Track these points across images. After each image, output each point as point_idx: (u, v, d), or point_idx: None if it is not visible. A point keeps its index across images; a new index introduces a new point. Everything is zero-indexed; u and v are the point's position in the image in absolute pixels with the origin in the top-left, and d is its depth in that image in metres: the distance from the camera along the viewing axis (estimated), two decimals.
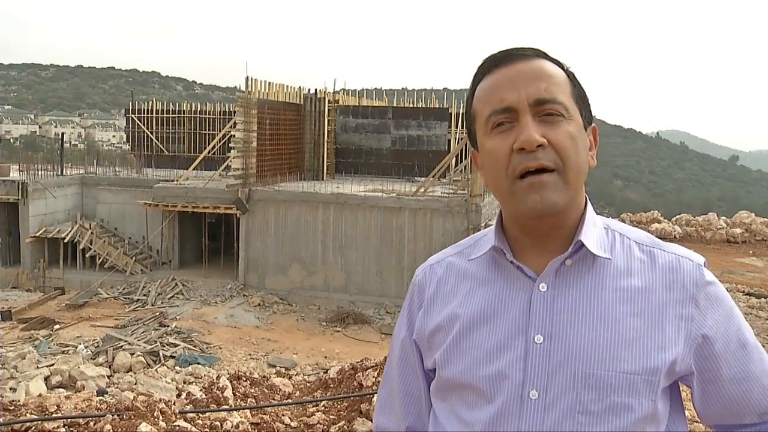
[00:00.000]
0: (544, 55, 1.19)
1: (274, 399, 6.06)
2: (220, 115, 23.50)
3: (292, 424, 4.89)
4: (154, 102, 24.75)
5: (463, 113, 17.73)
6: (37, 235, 18.08)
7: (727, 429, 1.24)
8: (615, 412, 1.11)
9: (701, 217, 22.09)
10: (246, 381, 6.44)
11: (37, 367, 10.83)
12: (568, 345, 1.13)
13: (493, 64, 1.20)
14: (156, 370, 11.48)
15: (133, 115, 24.10)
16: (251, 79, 17.36)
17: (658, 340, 1.13)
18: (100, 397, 6.62)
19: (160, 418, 4.41)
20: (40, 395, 6.17)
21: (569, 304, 1.15)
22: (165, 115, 23.87)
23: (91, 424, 4.32)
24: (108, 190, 19.69)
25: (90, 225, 18.53)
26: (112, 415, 4.34)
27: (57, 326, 14.05)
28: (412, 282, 1.37)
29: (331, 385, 6.07)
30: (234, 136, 17.39)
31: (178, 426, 4.35)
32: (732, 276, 16.18)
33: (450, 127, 21.06)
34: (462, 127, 20.09)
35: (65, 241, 17.90)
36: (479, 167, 1.25)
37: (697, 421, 3.75)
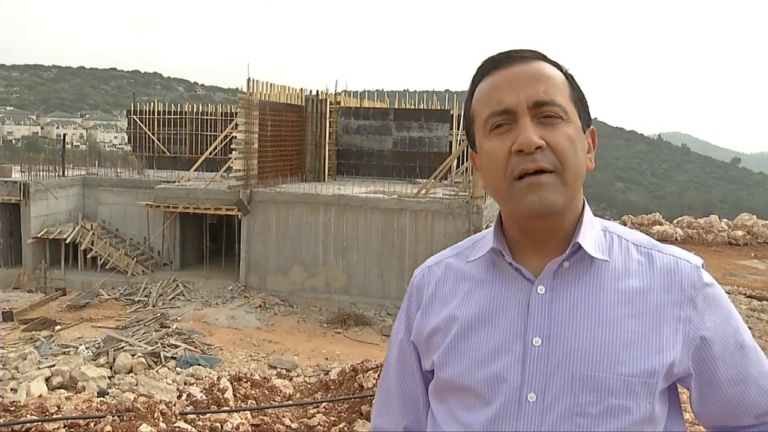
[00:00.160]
0: (543, 57, 1.20)
1: (274, 400, 6.06)
2: (221, 116, 23.54)
3: (293, 426, 4.88)
4: (156, 103, 24.78)
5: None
6: (39, 236, 18.10)
7: (725, 430, 1.24)
8: (613, 414, 1.11)
9: (703, 219, 22.08)
10: (246, 382, 6.43)
11: (38, 368, 10.84)
12: (566, 347, 1.13)
13: (491, 66, 1.20)
14: (157, 371, 11.49)
15: (134, 116, 24.14)
16: (253, 80, 17.38)
17: (656, 342, 1.13)
18: (101, 398, 6.63)
19: (161, 419, 4.41)
20: (40, 396, 6.18)
21: (567, 307, 1.15)
22: (167, 116, 23.91)
23: (92, 425, 4.32)
24: (109, 191, 19.72)
25: (91, 226, 18.54)
26: (113, 416, 4.34)
27: (58, 327, 14.06)
28: (410, 283, 1.37)
29: (332, 387, 6.07)
30: (235, 137, 17.41)
31: (179, 427, 4.35)
32: (733, 278, 16.16)
33: (451, 128, 21.08)
34: (463, 129, 20.11)
35: (66, 242, 17.92)
36: (478, 169, 1.25)
37: (697, 424, 3.75)
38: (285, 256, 16.79)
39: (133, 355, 12.02)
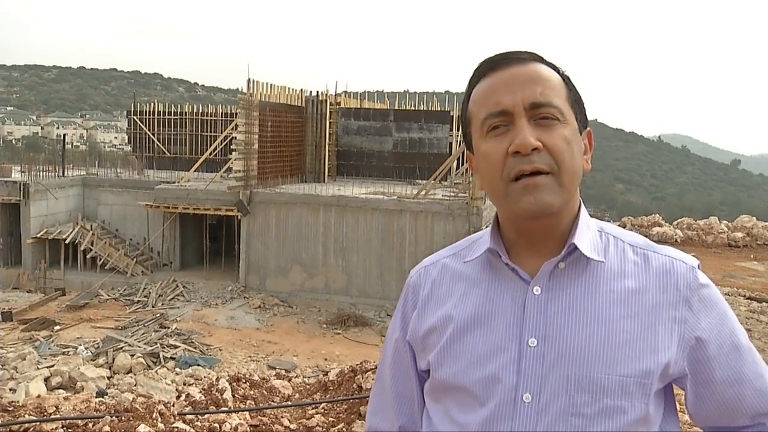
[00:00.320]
0: (540, 59, 1.20)
1: (273, 401, 6.06)
2: (221, 116, 23.54)
3: (291, 427, 4.88)
4: (156, 103, 24.79)
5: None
6: (38, 236, 18.10)
7: (720, 431, 1.24)
8: (608, 415, 1.11)
9: (702, 221, 22.09)
10: (245, 383, 6.43)
11: (37, 368, 10.84)
12: (562, 348, 1.13)
13: (489, 67, 1.20)
14: (156, 371, 11.48)
15: (134, 117, 24.14)
16: (253, 81, 17.39)
17: (651, 342, 1.13)
18: (99, 399, 6.62)
19: (159, 419, 4.41)
20: (39, 396, 6.17)
21: (563, 307, 1.16)
22: (167, 116, 23.91)
23: (90, 425, 4.32)
24: (109, 192, 19.71)
25: (91, 226, 18.54)
26: (111, 417, 4.34)
27: (57, 327, 14.06)
28: (406, 283, 1.37)
29: (331, 388, 6.06)
30: (235, 137, 17.41)
31: (177, 428, 4.35)
32: (733, 280, 16.16)
33: (451, 129, 21.07)
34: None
35: (66, 242, 17.92)
36: (475, 170, 1.26)
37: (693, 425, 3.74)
38: (285, 257, 16.79)
39: (132, 356, 12.02)
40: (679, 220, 22.78)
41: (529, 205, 1.12)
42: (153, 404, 4.84)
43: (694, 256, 1.23)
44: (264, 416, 5.08)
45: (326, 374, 7.52)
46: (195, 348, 12.99)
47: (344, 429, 4.73)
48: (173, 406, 5.03)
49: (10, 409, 4.71)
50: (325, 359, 12.88)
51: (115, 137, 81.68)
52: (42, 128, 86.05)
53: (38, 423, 4.22)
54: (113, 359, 11.91)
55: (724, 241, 20.67)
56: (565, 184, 1.14)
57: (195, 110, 24.26)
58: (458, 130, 20.64)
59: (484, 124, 1.17)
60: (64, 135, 25.50)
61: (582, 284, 1.17)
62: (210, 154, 20.46)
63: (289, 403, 5.86)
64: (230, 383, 6.22)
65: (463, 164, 18.75)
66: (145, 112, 24.16)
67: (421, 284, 1.32)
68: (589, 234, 1.20)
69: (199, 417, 4.76)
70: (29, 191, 17.95)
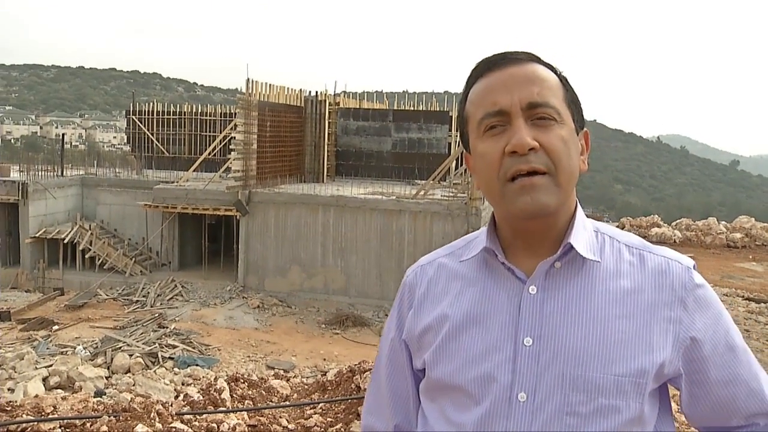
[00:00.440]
0: (537, 59, 1.20)
1: (271, 401, 6.05)
2: (220, 116, 23.54)
3: (290, 427, 4.88)
4: (155, 103, 24.78)
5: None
6: (37, 235, 18.09)
7: (714, 431, 1.24)
8: (603, 414, 1.11)
9: (701, 221, 22.11)
10: (244, 383, 6.42)
11: (36, 368, 10.82)
12: (557, 347, 1.14)
13: (486, 67, 1.20)
14: (155, 371, 11.47)
15: (134, 117, 24.13)
16: (252, 81, 17.38)
17: (646, 342, 1.13)
18: (98, 398, 6.62)
19: (157, 419, 4.41)
20: (36, 396, 6.16)
21: (558, 307, 1.16)
22: (166, 116, 23.90)
23: (88, 425, 4.31)
24: (108, 191, 19.70)
25: (90, 226, 18.53)
26: (108, 417, 4.34)
27: (56, 327, 14.05)
28: (402, 282, 1.37)
29: (329, 388, 6.06)
30: (234, 137, 17.40)
31: (175, 428, 4.34)
32: (732, 281, 16.16)
33: (451, 130, 21.08)
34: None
35: (65, 241, 17.91)
36: (471, 170, 1.26)
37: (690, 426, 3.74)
38: (283, 257, 16.78)
39: (130, 356, 12.01)
40: (677, 220, 22.80)
41: (525, 205, 1.12)
42: (151, 404, 4.84)
43: (691, 256, 1.23)
44: (262, 416, 5.08)
45: (325, 374, 7.51)
46: (193, 348, 12.97)
47: (342, 429, 4.73)
48: (171, 406, 5.03)
49: (8, 409, 4.70)
50: (324, 359, 12.88)
51: (114, 137, 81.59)
52: (41, 128, 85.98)
53: (36, 423, 4.21)
54: (112, 359, 11.90)
55: (723, 242, 20.69)
56: (561, 184, 1.14)
57: (194, 110, 24.26)
58: (457, 131, 20.67)
59: (481, 123, 1.17)
60: (63, 135, 25.44)
61: (578, 284, 1.17)
62: (209, 154, 20.45)
63: (287, 403, 5.86)
64: (228, 383, 6.21)
65: (462, 164, 18.74)
66: (144, 111, 24.15)
67: (417, 283, 1.32)
68: (585, 234, 1.20)
69: (197, 417, 4.75)
70: (28, 191, 17.93)
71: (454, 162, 18.60)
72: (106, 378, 10.85)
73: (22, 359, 11.22)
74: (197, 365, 11.81)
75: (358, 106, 23.57)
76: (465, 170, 17.84)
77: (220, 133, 21.47)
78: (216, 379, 6.96)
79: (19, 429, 4.19)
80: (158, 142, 23.80)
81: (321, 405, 5.43)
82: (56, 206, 18.89)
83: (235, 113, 18.78)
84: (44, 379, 10.20)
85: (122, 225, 19.31)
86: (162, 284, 16.98)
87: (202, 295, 16.50)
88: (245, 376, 6.88)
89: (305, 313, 15.95)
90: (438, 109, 22.88)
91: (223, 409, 5.30)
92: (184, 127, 23.73)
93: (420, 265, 1.35)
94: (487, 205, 16.01)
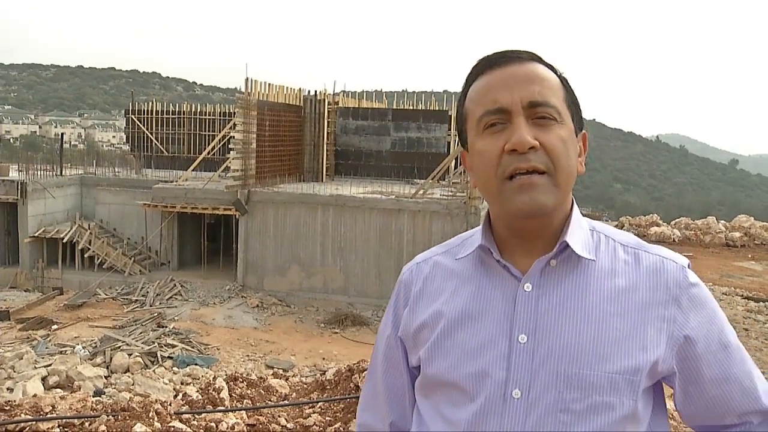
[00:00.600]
0: (538, 59, 1.20)
1: (270, 400, 6.05)
2: (220, 116, 23.53)
3: (288, 426, 4.87)
4: (154, 103, 24.78)
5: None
6: (36, 235, 18.08)
7: (708, 430, 1.25)
8: (596, 411, 1.11)
9: (700, 220, 22.12)
10: (242, 382, 6.42)
11: (35, 368, 10.82)
12: (552, 344, 1.14)
13: (486, 65, 1.20)
14: (154, 370, 11.47)
15: (133, 116, 24.12)
16: (251, 80, 17.38)
17: (640, 340, 1.13)
18: (96, 398, 6.62)
19: (155, 418, 4.40)
20: (35, 395, 6.16)
21: (553, 304, 1.16)
22: (165, 115, 23.89)
23: (86, 424, 4.31)
24: (107, 191, 19.70)
25: (89, 225, 18.53)
26: (107, 416, 4.33)
27: (55, 326, 14.04)
28: (398, 280, 1.37)
29: (328, 387, 6.05)
30: (233, 137, 17.40)
31: (173, 427, 4.34)
32: (731, 280, 16.16)
33: (450, 129, 21.09)
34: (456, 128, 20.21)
35: (64, 241, 17.90)
36: (468, 168, 1.26)
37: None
38: (283, 256, 16.78)
39: (129, 355, 12.00)
40: (677, 219, 22.80)
41: (523, 204, 1.12)
42: (149, 403, 4.83)
43: (690, 255, 1.23)
44: (261, 415, 5.07)
45: (324, 373, 7.51)
46: (193, 347, 12.98)
47: (341, 428, 4.72)
48: (170, 405, 5.03)
49: (6, 408, 4.70)
50: (323, 358, 12.88)
51: (114, 136, 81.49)
52: (40, 127, 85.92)
53: (34, 422, 4.21)
54: (111, 358, 11.89)
55: (722, 241, 20.69)
56: (560, 184, 1.14)
57: (193, 109, 24.24)
58: (456, 130, 20.69)
59: (481, 121, 1.17)
60: (62, 134, 25.40)
61: (573, 282, 1.17)
62: (208, 153, 20.45)
63: (286, 402, 5.86)
64: (227, 382, 6.21)
65: (461, 164, 18.74)
66: (144, 111, 24.14)
67: (412, 281, 1.33)
68: (581, 232, 1.21)
69: (196, 416, 4.75)
70: (27, 190, 17.92)
71: (453, 161, 18.60)
72: (105, 377, 10.85)
73: (21, 359, 11.22)
74: (196, 364, 11.81)
75: (357, 106, 23.58)
76: (464, 170, 17.84)
77: (219, 132, 21.46)
78: (215, 378, 6.95)
79: (17, 428, 4.19)
80: (157, 141, 23.79)
81: (320, 404, 5.43)
82: (55, 206, 18.88)
83: (235, 113, 18.78)
84: (43, 379, 10.20)
85: (121, 224, 19.31)
86: (161, 284, 16.98)
87: (201, 294, 16.50)
88: (244, 376, 6.88)
89: (304, 313, 15.95)
90: (437, 109, 22.89)
91: (222, 408, 5.29)
92: (184, 126, 23.72)
93: (416, 263, 1.36)
94: (485, 204, 16.02)
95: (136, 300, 16.19)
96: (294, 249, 16.71)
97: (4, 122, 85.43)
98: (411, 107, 23.85)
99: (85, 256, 17.98)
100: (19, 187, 17.86)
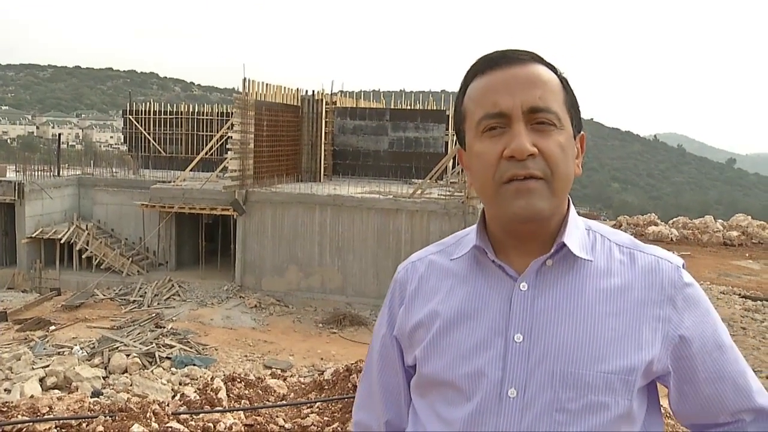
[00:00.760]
0: (539, 59, 1.18)
1: (268, 400, 6.04)
2: (217, 116, 23.51)
3: (286, 426, 4.87)
4: (152, 103, 24.75)
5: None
6: (34, 235, 18.05)
7: (702, 428, 1.25)
8: (591, 411, 1.11)
9: (698, 220, 22.16)
10: (240, 382, 6.41)
11: (33, 369, 10.80)
12: (548, 344, 1.14)
13: (487, 65, 1.18)
14: (152, 371, 11.46)
15: (130, 116, 24.09)
16: (249, 80, 17.37)
17: (635, 339, 1.14)
18: (94, 399, 6.60)
19: (153, 419, 4.40)
20: (32, 396, 6.15)
21: (549, 304, 1.16)
22: (163, 116, 23.87)
23: (84, 425, 4.30)
24: (105, 191, 19.68)
25: (87, 226, 18.50)
26: (105, 417, 4.33)
27: (53, 327, 14.02)
28: (393, 279, 1.37)
29: (326, 387, 6.05)
30: (231, 137, 17.39)
31: (171, 427, 4.33)
32: (728, 279, 16.19)
33: (447, 129, 21.09)
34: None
35: (62, 241, 17.87)
36: (465, 167, 1.25)
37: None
38: (281, 257, 16.78)
39: (128, 356, 11.99)
40: (674, 219, 22.85)
41: (520, 209, 1.12)
42: (147, 404, 4.83)
43: (688, 254, 1.24)
44: (259, 416, 5.07)
45: (322, 373, 7.51)
46: (191, 348, 12.96)
47: (339, 428, 4.72)
48: (168, 405, 5.02)
49: (4, 409, 4.69)
50: (321, 358, 12.87)
51: (111, 137, 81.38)
52: (37, 128, 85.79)
53: (31, 423, 4.20)
54: (109, 359, 11.87)
55: (720, 240, 20.73)
56: (556, 190, 1.14)
57: (191, 110, 24.23)
58: (453, 129, 20.71)
59: (480, 123, 1.16)
60: (60, 134, 25.39)
61: (569, 282, 1.17)
62: (206, 153, 20.43)
63: (284, 402, 5.85)
64: (225, 383, 6.20)
65: (458, 163, 18.75)
66: (141, 111, 24.11)
67: (408, 280, 1.32)
68: (578, 233, 1.21)
69: (194, 416, 4.74)
70: (24, 191, 17.90)
71: (451, 161, 18.61)
72: (103, 378, 10.84)
73: (19, 360, 11.20)
74: (194, 365, 11.80)
75: (354, 106, 23.57)
76: (462, 169, 17.85)
77: (217, 132, 21.44)
78: (213, 378, 6.95)
79: (14, 429, 4.18)
80: (155, 141, 23.77)
81: (318, 404, 5.42)
82: (53, 206, 18.86)
83: (232, 113, 18.76)
84: (41, 380, 10.19)
85: (119, 225, 19.29)
86: (159, 284, 16.96)
87: (199, 294, 16.49)
88: (242, 376, 6.87)
89: (302, 313, 15.95)
90: (435, 108, 22.90)
91: (220, 408, 5.29)
92: (181, 126, 23.70)
93: (411, 262, 1.35)
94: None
95: (134, 300, 16.17)
96: (292, 249, 16.70)
97: (2, 123, 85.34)
98: (409, 107, 23.84)
99: (83, 256, 17.96)
100: (17, 188, 17.84)
